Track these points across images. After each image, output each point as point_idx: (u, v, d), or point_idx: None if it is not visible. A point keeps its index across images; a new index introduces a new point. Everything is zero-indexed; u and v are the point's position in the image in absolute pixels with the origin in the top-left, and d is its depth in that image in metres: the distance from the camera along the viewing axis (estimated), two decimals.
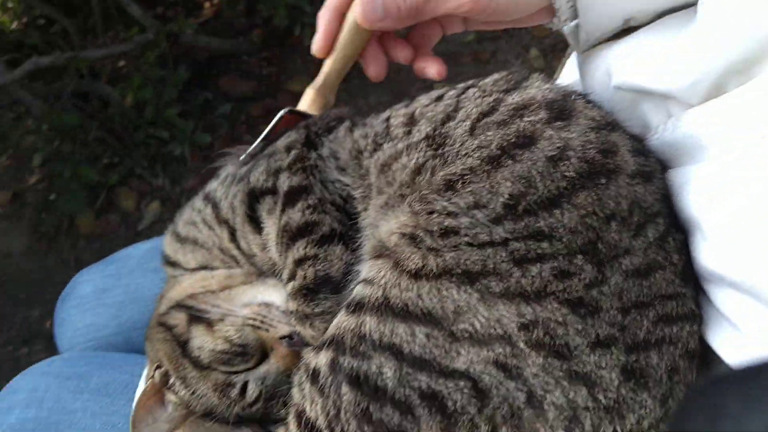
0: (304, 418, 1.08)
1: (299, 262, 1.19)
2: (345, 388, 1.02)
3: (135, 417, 1.25)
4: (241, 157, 1.35)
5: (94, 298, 1.77)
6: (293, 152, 1.31)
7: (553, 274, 0.98)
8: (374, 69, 1.45)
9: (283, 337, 1.24)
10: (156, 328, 1.37)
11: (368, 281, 1.07)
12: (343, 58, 1.46)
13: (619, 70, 1.22)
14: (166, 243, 1.49)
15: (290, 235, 1.22)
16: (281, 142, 1.38)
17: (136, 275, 1.75)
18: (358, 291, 1.08)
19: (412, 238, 1.05)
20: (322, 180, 1.26)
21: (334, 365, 1.04)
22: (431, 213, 1.06)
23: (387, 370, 0.99)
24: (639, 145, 1.12)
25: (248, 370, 1.26)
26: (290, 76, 4.18)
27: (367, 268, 1.10)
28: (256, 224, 1.31)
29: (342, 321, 1.07)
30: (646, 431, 1.00)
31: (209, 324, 1.29)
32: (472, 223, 1.02)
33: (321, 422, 1.05)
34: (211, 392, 1.26)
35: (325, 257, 1.18)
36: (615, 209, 1.01)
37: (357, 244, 1.22)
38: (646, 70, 1.16)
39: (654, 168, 1.09)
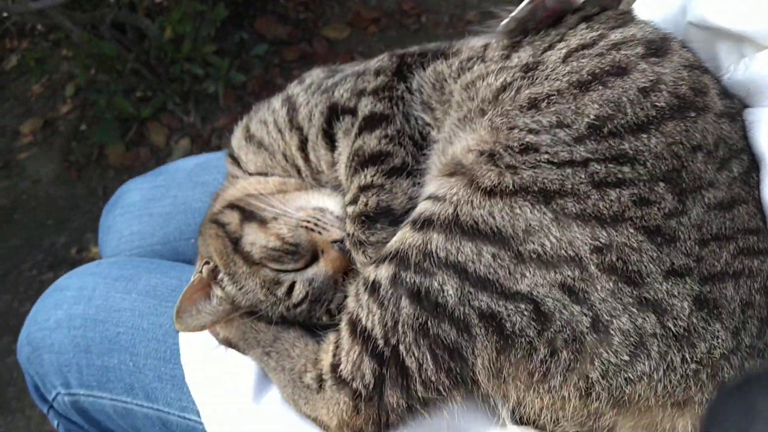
0: (359, 327, 1.10)
1: (364, 189, 1.21)
2: (404, 302, 1.04)
3: (179, 307, 1.28)
4: (503, 22, 1.28)
5: (142, 207, 1.78)
6: (380, 78, 1.32)
7: (632, 200, 0.98)
8: None
9: (335, 241, 1.27)
10: (209, 224, 1.40)
11: (438, 198, 1.07)
12: None
13: (696, 8, 1.21)
14: (235, 136, 1.52)
15: (361, 160, 1.23)
16: (373, 64, 1.39)
17: (185, 187, 1.76)
18: (426, 207, 1.08)
19: (491, 156, 1.05)
20: (405, 113, 1.27)
21: (395, 279, 1.05)
22: (512, 128, 1.06)
23: (449, 288, 1.01)
24: (724, 88, 1.12)
25: (297, 270, 1.28)
26: (326, 22, 4.16)
27: (436, 185, 1.10)
28: (330, 141, 1.32)
29: (407, 237, 1.07)
30: (718, 361, 0.99)
31: (262, 222, 1.32)
32: (554, 141, 1.02)
33: (377, 332, 1.07)
34: (258, 288, 1.29)
35: (390, 189, 1.19)
36: (701, 141, 1.01)
37: (424, 164, 1.23)
38: (724, 10, 1.16)
39: (738, 109, 1.10)
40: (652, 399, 1.00)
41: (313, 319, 1.30)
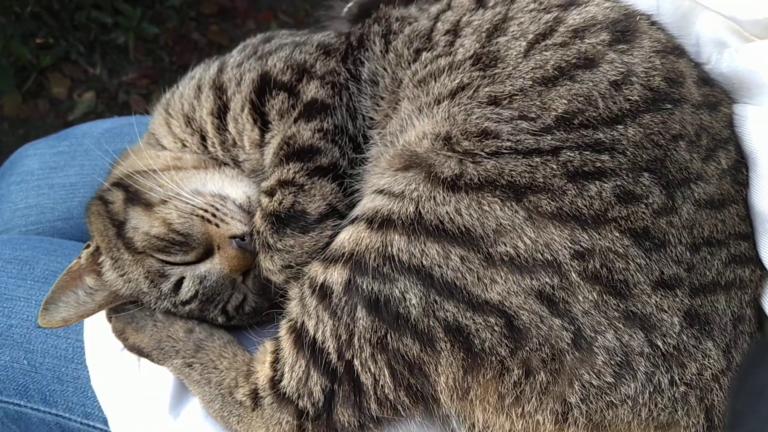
0: (307, 339, 0.98)
1: (283, 184, 1.09)
2: (361, 312, 0.93)
3: (49, 297, 1.14)
4: (347, 6, 1.23)
5: (42, 176, 1.58)
6: (331, 61, 1.19)
7: (615, 195, 0.89)
8: None
9: (234, 237, 1.13)
10: (95, 200, 1.25)
11: (395, 195, 0.96)
12: None
13: None
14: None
15: (288, 152, 1.11)
16: (317, 37, 1.25)
17: (93, 156, 1.56)
18: (381, 204, 0.97)
19: (447, 140, 0.96)
20: (349, 107, 1.16)
21: (350, 286, 0.94)
22: (469, 115, 0.97)
23: (411, 296, 0.91)
24: (704, 73, 1.04)
25: (187, 264, 1.14)
26: None
27: (389, 180, 0.99)
28: (260, 117, 1.18)
29: (362, 237, 0.96)
30: (708, 383, 0.92)
31: (148, 205, 1.17)
32: (516, 130, 0.94)
33: (329, 346, 0.95)
34: (141, 279, 1.15)
35: (309, 190, 1.08)
36: (681, 131, 0.93)
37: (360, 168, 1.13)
38: None
39: (720, 98, 1.02)
40: (635, 423, 0.92)
41: (207, 318, 1.17)
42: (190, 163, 1.26)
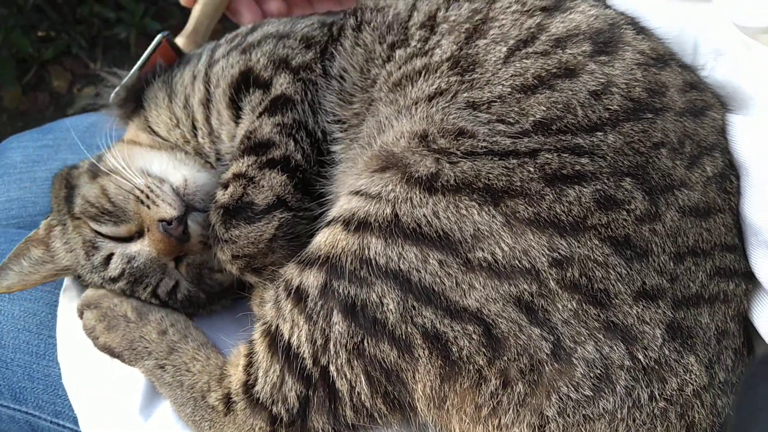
0: (281, 343, 0.96)
1: (236, 177, 1.09)
2: (337, 317, 0.91)
3: (2, 264, 1.16)
4: (114, 92, 1.27)
5: (24, 170, 1.56)
6: (309, 54, 1.19)
7: (595, 201, 0.86)
8: (248, 19, 1.45)
9: (162, 220, 1.13)
10: (67, 167, 1.30)
11: (372, 196, 0.94)
12: (212, 3, 1.46)
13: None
14: None
15: (247, 146, 1.12)
16: (300, 27, 1.25)
17: (78, 150, 1.52)
18: (357, 205, 0.95)
19: (423, 138, 0.94)
20: (313, 101, 1.15)
21: (326, 289, 0.92)
22: (447, 116, 0.96)
23: (389, 301, 0.88)
24: (693, 77, 1.01)
25: (118, 240, 1.16)
26: None
27: (365, 182, 0.97)
28: (236, 111, 1.19)
29: (339, 240, 0.94)
30: (689, 399, 0.89)
31: (95, 175, 1.20)
32: (492, 132, 0.92)
33: (304, 351, 0.93)
34: (79, 248, 1.16)
35: (258, 182, 1.07)
36: (663, 138, 0.91)
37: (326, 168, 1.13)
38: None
39: (709, 103, 0.99)
40: None
41: (140, 299, 1.17)
42: (146, 141, 1.28)
